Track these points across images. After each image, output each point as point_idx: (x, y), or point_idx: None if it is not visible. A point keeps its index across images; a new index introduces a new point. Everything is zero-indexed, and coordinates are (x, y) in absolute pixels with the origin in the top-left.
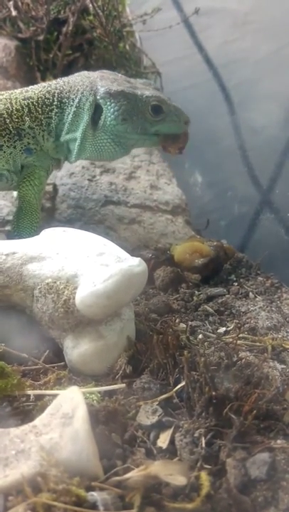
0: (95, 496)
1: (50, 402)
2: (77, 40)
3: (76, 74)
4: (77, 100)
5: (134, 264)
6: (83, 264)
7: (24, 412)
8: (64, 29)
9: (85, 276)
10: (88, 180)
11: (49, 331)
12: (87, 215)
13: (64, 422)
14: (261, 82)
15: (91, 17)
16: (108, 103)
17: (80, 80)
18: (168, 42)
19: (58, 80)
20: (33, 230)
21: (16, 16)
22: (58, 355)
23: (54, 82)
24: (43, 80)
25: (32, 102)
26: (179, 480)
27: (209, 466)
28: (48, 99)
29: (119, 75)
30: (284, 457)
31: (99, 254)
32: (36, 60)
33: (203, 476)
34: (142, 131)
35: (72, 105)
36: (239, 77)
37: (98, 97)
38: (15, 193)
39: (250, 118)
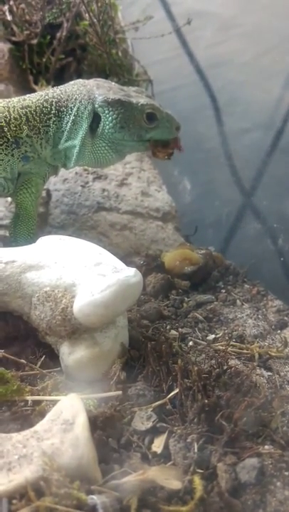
0: (94, 499)
1: (48, 407)
2: (70, 44)
3: (72, 82)
4: (75, 109)
5: (131, 274)
6: (81, 273)
7: (23, 417)
8: (58, 34)
9: (82, 286)
10: (81, 186)
11: (46, 337)
12: (80, 221)
13: (65, 428)
14: (245, 85)
15: (85, 22)
16: (106, 111)
17: (76, 89)
18: (155, 43)
19: (55, 88)
20: (30, 237)
21: (10, 20)
22: (53, 360)
23: (51, 90)
24: (36, 83)
25: (30, 111)
26: (174, 484)
27: (201, 471)
28: (46, 107)
29: (113, 83)
30: (271, 462)
31: (96, 264)
32: (29, 64)
33: (196, 480)
34: (137, 138)
35: (70, 114)
36: (224, 80)
37: (96, 106)
38: (9, 198)
39: (234, 121)
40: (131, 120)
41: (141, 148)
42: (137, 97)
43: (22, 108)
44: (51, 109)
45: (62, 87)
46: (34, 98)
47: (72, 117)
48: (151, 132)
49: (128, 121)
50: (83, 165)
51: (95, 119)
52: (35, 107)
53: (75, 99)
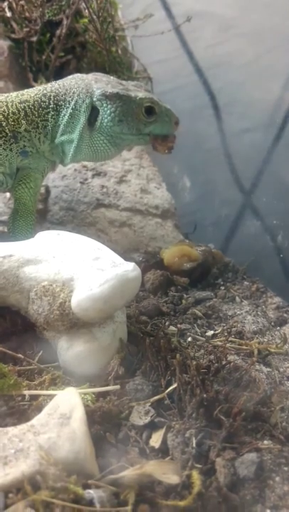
0: (91, 493)
1: (45, 401)
2: (69, 42)
3: (70, 77)
4: (73, 102)
5: (129, 269)
6: (79, 268)
7: (20, 412)
8: (58, 32)
9: (81, 280)
10: (80, 182)
11: (43, 332)
12: (79, 218)
13: (62, 422)
14: (245, 86)
15: (84, 20)
16: (104, 105)
17: (74, 83)
18: (155, 43)
19: (53, 83)
20: (29, 232)
21: (9, 17)
22: (51, 355)
23: (49, 85)
24: (35, 80)
25: (28, 106)
26: (172, 479)
27: (200, 466)
28: (44, 102)
29: (112, 77)
30: (270, 457)
31: (94, 259)
32: (29, 61)
33: (195, 474)
34: (136, 132)
35: (68, 107)
36: (224, 80)
37: (95, 99)
38: (8, 194)
39: (234, 121)
40: (129, 114)
41: (141, 142)
42: (136, 90)
43: (20, 103)
44: (49, 103)
45: (60, 82)
46: (32, 93)
47: (69, 111)
48: (150, 126)
49: (126, 114)
50: (81, 159)
51: (93, 113)
52: (34, 102)
53: (73, 92)
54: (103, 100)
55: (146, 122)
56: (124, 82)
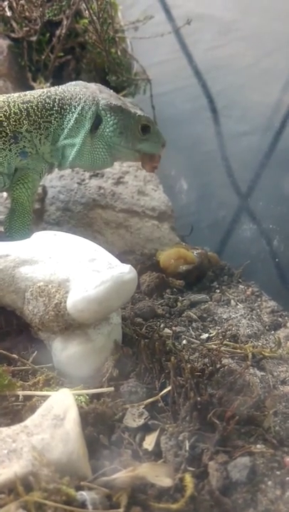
0: (84, 495)
1: (39, 402)
2: (69, 42)
3: (73, 83)
4: (79, 108)
5: (125, 271)
6: (75, 269)
7: (13, 412)
8: (57, 32)
9: (76, 282)
10: (77, 183)
11: (38, 333)
12: (76, 218)
13: (55, 423)
14: (244, 89)
15: (84, 20)
16: (108, 115)
17: (80, 90)
18: (154, 45)
19: (56, 87)
20: (25, 232)
21: (9, 16)
22: (45, 356)
23: (53, 88)
24: (34, 80)
25: (31, 106)
26: (165, 482)
27: (193, 469)
28: (49, 103)
29: (111, 91)
30: (263, 461)
31: (90, 260)
32: (28, 61)
33: (187, 477)
34: (131, 147)
35: (73, 112)
36: (223, 84)
37: (100, 108)
38: (4, 194)
39: (232, 124)
40: (128, 128)
41: (131, 157)
42: (134, 108)
43: (23, 103)
44: (53, 105)
45: (63, 87)
46: (36, 94)
47: (75, 115)
48: (143, 143)
49: (126, 128)
50: (79, 165)
51: (95, 121)
52: (37, 102)
53: (80, 98)
54: (107, 110)
55: (140, 139)
56: (122, 98)
